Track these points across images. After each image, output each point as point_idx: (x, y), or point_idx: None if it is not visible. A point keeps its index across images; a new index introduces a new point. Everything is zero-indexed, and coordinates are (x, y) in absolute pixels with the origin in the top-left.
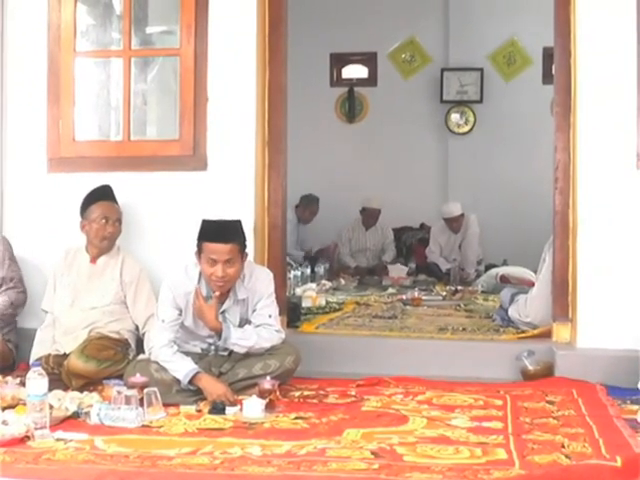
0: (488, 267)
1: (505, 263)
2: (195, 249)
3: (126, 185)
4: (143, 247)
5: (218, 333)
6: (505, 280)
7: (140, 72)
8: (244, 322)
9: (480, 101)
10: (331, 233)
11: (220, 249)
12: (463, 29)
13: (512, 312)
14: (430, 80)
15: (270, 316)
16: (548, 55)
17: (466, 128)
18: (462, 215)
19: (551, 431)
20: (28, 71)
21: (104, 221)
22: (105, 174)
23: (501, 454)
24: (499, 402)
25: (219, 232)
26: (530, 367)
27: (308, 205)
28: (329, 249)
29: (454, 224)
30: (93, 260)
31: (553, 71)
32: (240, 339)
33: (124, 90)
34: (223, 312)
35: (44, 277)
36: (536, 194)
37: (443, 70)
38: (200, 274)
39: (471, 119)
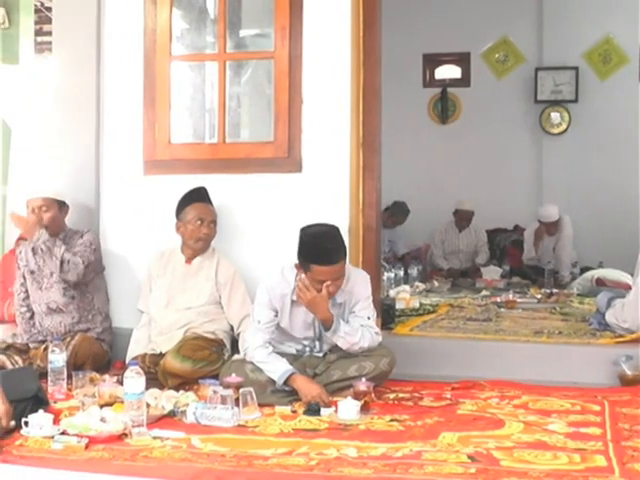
0: (583, 270)
1: (601, 266)
2: (297, 261)
3: (221, 187)
4: (238, 248)
5: (328, 324)
6: (601, 283)
7: (234, 75)
8: None
9: (575, 100)
10: (423, 234)
11: (331, 271)
12: (557, 28)
13: (609, 317)
14: (524, 80)
15: (369, 318)
16: None
17: (561, 128)
18: (559, 219)
19: None
20: (125, 75)
21: (199, 222)
22: (200, 176)
23: (600, 461)
24: (597, 407)
25: (328, 254)
26: (628, 372)
27: (395, 213)
28: (421, 251)
29: (551, 228)
30: (188, 261)
31: None
32: (347, 334)
33: (219, 93)
34: None
35: (139, 277)
36: (633, 195)
37: (537, 69)
38: (296, 276)
39: (566, 119)
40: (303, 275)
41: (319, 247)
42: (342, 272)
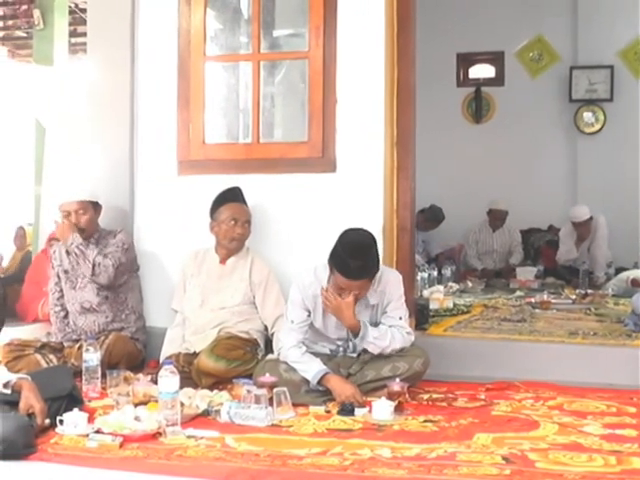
0: (618, 270)
1: (636, 266)
2: (326, 261)
3: (255, 187)
4: (272, 248)
5: (355, 331)
6: (636, 284)
7: (268, 75)
8: (373, 325)
9: (610, 99)
10: (457, 234)
11: (351, 285)
12: (592, 26)
13: None
14: (558, 79)
15: (400, 318)
16: None
17: (596, 127)
18: (590, 219)
19: None
20: (159, 76)
21: (233, 222)
22: (234, 176)
23: (636, 463)
24: (632, 409)
25: (352, 271)
26: None
27: (430, 218)
28: (455, 251)
29: (583, 228)
30: (222, 261)
31: None
32: (376, 339)
33: (253, 93)
34: None
35: (173, 277)
36: None
37: (572, 68)
38: (329, 276)
39: (601, 118)
40: (329, 284)
41: (346, 261)
42: (364, 286)
